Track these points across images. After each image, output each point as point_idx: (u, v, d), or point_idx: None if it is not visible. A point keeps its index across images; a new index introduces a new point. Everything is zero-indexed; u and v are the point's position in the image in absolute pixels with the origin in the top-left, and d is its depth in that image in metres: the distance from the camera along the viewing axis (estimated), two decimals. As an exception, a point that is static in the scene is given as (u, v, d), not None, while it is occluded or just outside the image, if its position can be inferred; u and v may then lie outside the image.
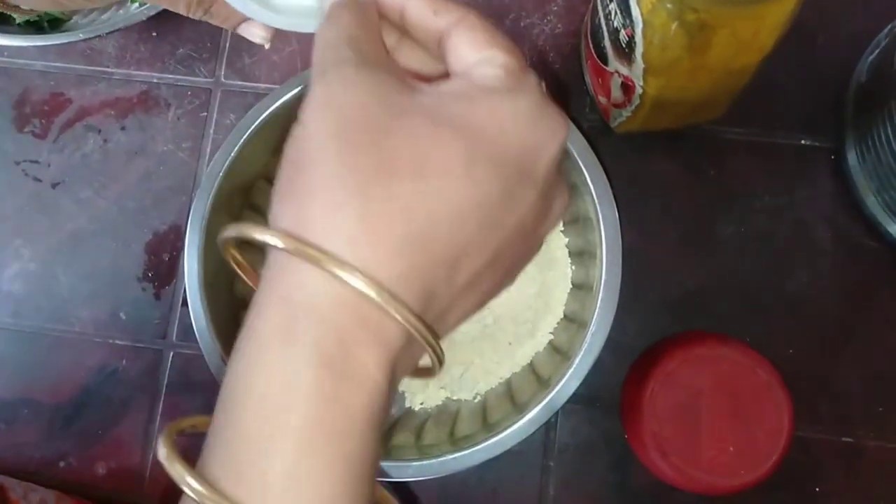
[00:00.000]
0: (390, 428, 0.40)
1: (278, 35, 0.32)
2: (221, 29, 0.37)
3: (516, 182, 0.20)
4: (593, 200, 0.37)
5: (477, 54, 0.22)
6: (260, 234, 0.20)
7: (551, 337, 0.41)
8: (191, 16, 0.35)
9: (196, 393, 0.45)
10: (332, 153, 0.19)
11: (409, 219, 0.19)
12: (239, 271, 0.24)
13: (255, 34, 0.37)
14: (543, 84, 0.22)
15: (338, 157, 0.19)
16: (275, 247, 0.19)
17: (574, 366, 0.36)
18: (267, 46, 0.38)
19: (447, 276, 0.20)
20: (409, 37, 0.24)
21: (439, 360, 0.21)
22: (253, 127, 0.39)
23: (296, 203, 0.20)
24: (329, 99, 0.20)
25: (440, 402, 0.41)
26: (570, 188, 0.24)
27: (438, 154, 0.19)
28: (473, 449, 0.36)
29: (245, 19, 0.36)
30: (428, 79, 0.24)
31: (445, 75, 0.23)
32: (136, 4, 0.44)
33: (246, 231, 0.20)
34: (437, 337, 0.20)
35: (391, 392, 0.20)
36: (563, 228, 0.41)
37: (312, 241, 0.19)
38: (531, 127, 0.21)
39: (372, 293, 0.18)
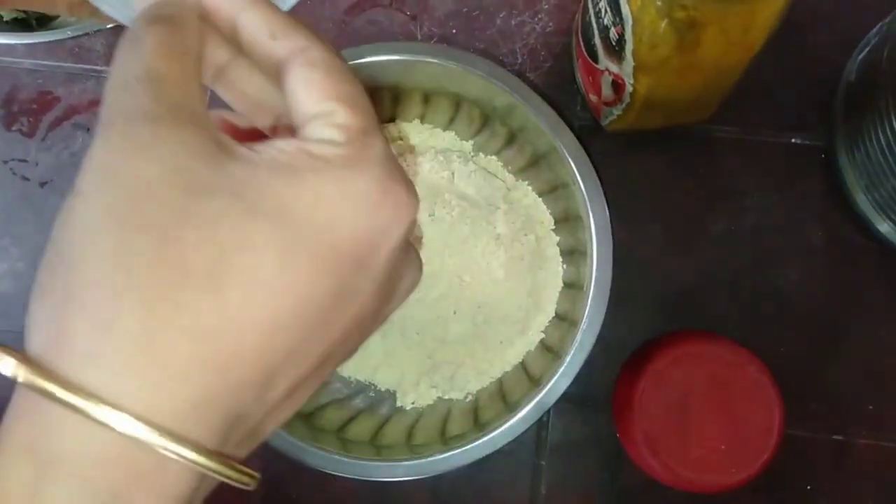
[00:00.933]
0: (381, 427, 0.40)
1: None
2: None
3: (350, 278, 0.17)
4: (584, 199, 0.37)
5: (315, 105, 0.18)
6: None
7: (542, 336, 0.41)
8: (75, 17, 0.33)
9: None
10: (105, 246, 0.15)
11: (201, 337, 0.15)
12: None
13: None
14: (390, 146, 0.19)
15: (113, 254, 0.15)
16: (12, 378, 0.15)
17: (565, 364, 0.36)
18: None
19: (258, 395, 0.16)
20: (246, 55, 0.20)
21: (252, 479, 0.17)
22: (242, 125, 0.38)
23: (52, 309, 0.16)
24: (111, 167, 0.16)
25: (431, 402, 0.41)
26: (419, 261, 0.21)
27: (244, 253, 0.15)
28: (465, 448, 0.36)
29: None
30: (253, 134, 0.20)
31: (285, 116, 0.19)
32: None
33: None
34: (240, 467, 0.17)
35: None
36: (553, 227, 0.41)
37: (68, 368, 0.15)
38: (371, 213, 0.17)
39: (148, 438, 0.15)
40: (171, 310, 0.15)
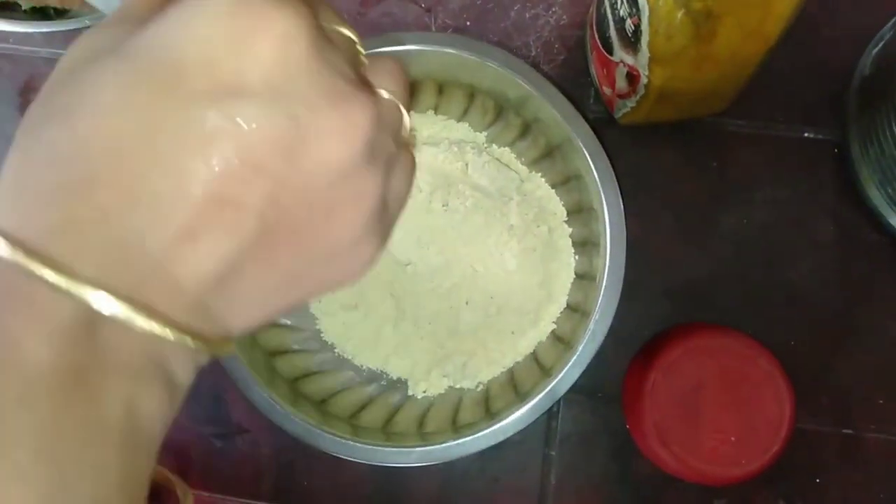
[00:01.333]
0: (392, 415, 0.40)
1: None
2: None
3: (208, 101, 0.16)
4: (598, 190, 0.37)
5: None
6: None
7: (554, 326, 0.41)
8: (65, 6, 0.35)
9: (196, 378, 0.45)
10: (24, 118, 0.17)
11: (56, 163, 0.16)
12: None
13: None
14: None
15: (23, 121, 0.17)
16: None
17: (577, 354, 0.36)
18: None
19: (134, 224, 0.16)
20: None
21: (162, 323, 0.16)
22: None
23: None
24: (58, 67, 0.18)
25: (443, 391, 0.41)
26: (363, 98, 0.17)
27: (92, 87, 0.16)
28: (476, 435, 0.36)
29: None
30: None
31: None
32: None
33: None
34: (139, 302, 0.16)
35: (87, 379, 0.16)
36: (566, 219, 0.42)
37: None
38: (219, 26, 0.16)
39: (6, 253, 0.15)
40: (31, 142, 0.16)
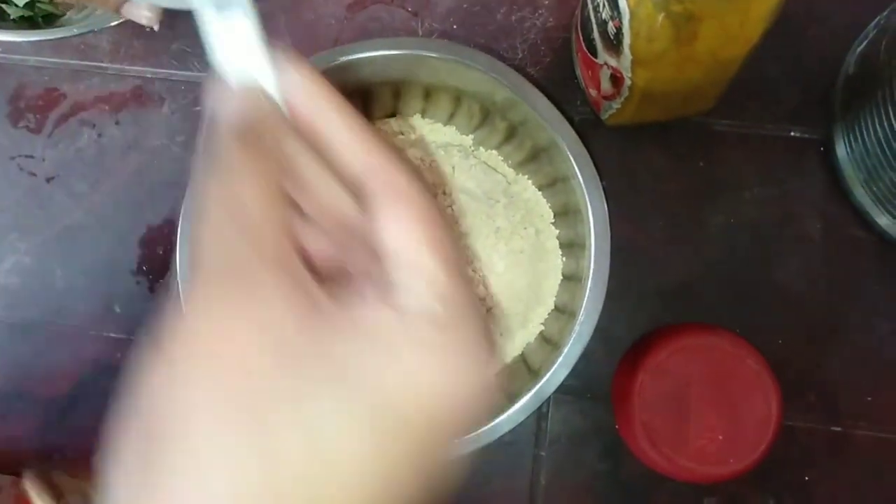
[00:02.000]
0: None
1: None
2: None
3: (427, 451, 0.17)
4: (583, 193, 0.37)
5: (408, 252, 0.18)
6: None
7: (542, 328, 0.41)
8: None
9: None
10: (198, 430, 0.16)
11: (294, 481, 0.16)
12: None
13: (141, 16, 0.36)
14: (484, 309, 0.19)
15: (207, 441, 0.15)
16: None
17: (563, 354, 0.36)
18: (156, 28, 0.37)
19: None
20: (320, 154, 0.19)
21: None
22: (245, 120, 0.39)
23: (141, 487, 0.16)
24: (209, 336, 0.16)
25: (432, 393, 0.41)
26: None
27: (338, 437, 0.16)
28: (465, 436, 0.36)
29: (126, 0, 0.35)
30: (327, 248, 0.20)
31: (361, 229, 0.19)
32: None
33: None
34: None
35: None
36: (553, 221, 0.42)
37: None
38: (460, 393, 0.17)
39: None
40: (268, 446, 0.15)
